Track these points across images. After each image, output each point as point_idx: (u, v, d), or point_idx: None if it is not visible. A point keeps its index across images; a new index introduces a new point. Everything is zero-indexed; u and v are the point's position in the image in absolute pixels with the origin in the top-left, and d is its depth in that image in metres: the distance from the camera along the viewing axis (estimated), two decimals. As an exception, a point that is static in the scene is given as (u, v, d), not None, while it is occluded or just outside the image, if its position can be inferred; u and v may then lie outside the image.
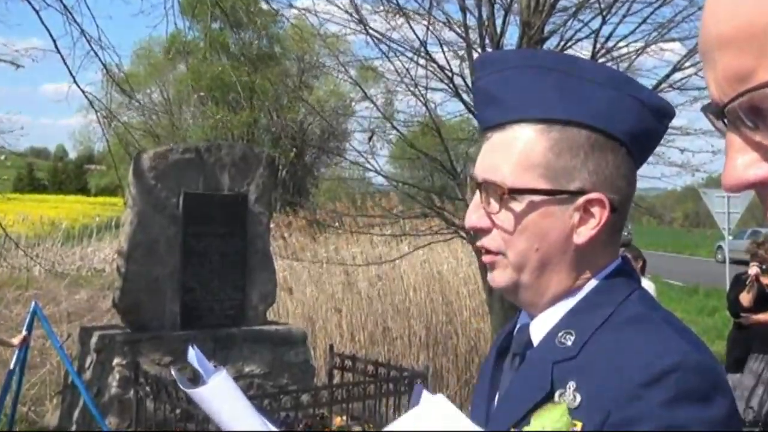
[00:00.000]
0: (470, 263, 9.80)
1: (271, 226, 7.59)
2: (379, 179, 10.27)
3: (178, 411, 5.08)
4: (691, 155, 8.47)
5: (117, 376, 5.95)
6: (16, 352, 5.93)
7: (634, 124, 1.23)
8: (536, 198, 1.23)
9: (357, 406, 5.91)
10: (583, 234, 1.23)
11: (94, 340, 6.16)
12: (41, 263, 10.77)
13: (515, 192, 1.23)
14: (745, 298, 7.15)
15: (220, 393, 1.41)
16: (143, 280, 6.19)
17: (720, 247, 27.85)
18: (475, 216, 1.28)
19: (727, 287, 8.08)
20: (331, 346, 6.98)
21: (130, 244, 6.20)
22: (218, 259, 6.41)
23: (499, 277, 1.28)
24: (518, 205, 1.23)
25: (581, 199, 1.23)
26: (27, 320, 6.06)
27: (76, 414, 6.15)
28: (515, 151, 1.24)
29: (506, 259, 1.26)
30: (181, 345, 5.98)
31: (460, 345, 9.34)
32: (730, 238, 14.97)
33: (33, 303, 6.16)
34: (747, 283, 7.18)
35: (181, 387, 1.46)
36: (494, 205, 1.25)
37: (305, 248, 10.98)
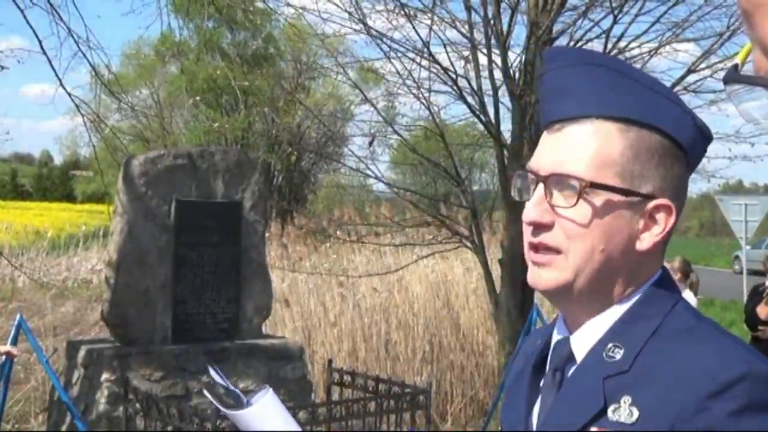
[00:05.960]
0: (476, 274, 9.66)
1: (267, 234, 7.45)
2: (380, 186, 10.15)
3: (169, 429, 5.06)
4: (707, 161, 8.31)
5: (105, 393, 5.87)
6: None
7: (692, 139, 1.26)
8: (614, 196, 1.22)
9: (356, 424, 5.81)
10: (647, 240, 1.23)
11: (81, 354, 6.08)
12: (26, 273, 10.68)
13: (596, 186, 1.21)
14: (763, 310, 7.03)
15: (267, 414, 1.41)
16: (133, 292, 6.13)
17: (737, 257, 27.48)
18: (537, 210, 1.24)
19: (745, 299, 7.92)
20: (330, 361, 6.91)
21: (120, 254, 6.12)
22: (211, 269, 6.35)
23: (551, 278, 1.24)
24: (596, 201, 1.22)
25: (650, 204, 1.23)
26: (11, 333, 6.01)
27: (62, 432, 6.08)
28: (593, 146, 1.23)
29: (565, 259, 1.23)
30: (173, 359, 5.98)
31: (466, 360, 9.26)
32: (748, 247, 14.78)
33: (18, 315, 6.11)
34: (765, 294, 7.04)
35: (222, 409, 1.43)
36: (563, 200, 1.23)
37: (304, 258, 10.86)
